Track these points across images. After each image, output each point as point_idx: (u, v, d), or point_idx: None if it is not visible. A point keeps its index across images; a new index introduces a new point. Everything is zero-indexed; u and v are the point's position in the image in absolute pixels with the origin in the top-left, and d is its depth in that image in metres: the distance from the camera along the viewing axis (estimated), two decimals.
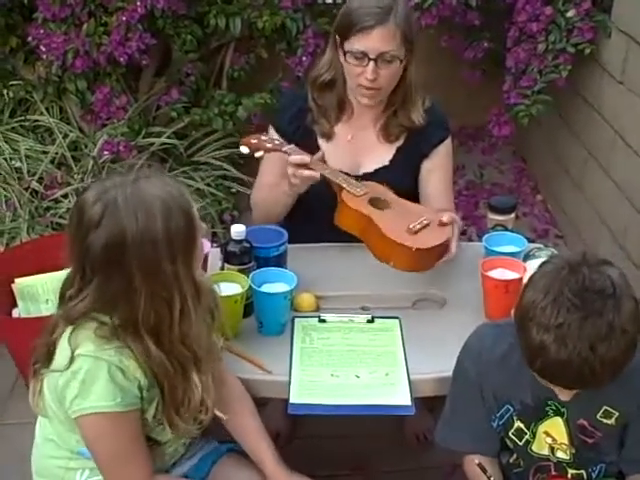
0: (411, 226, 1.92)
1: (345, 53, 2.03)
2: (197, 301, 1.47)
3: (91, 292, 1.42)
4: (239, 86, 3.75)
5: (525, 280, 1.48)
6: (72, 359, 1.41)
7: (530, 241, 3.35)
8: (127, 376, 1.43)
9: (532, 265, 1.76)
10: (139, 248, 1.38)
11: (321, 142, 2.15)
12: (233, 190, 3.64)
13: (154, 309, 1.42)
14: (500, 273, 1.90)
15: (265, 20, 3.42)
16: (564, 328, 1.33)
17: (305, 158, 1.98)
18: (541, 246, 2.17)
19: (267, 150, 2.06)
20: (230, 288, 1.83)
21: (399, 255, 1.90)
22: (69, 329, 1.44)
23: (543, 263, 1.46)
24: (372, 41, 1.98)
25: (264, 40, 3.64)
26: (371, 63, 1.99)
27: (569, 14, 3.16)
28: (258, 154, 2.08)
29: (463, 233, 3.61)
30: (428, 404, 2.24)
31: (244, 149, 2.08)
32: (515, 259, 1.95)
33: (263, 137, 2.10)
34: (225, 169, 3.66)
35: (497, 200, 2.21)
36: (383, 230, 1.89)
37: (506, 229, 2.14)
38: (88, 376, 1.40)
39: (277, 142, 2.08)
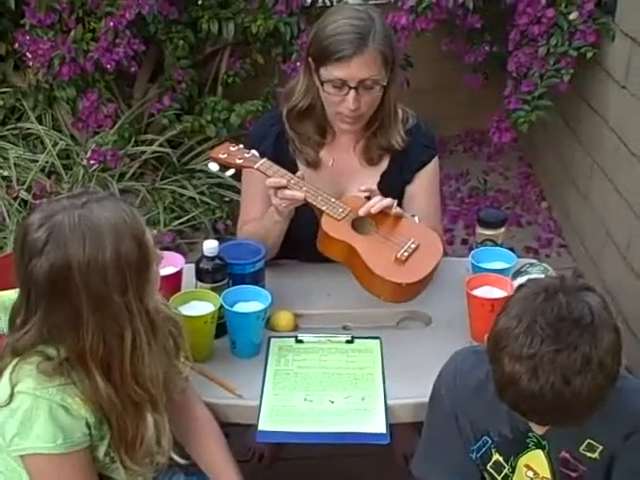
0: (399, 255, 1.82)
1: (322, 83, 1.90)
2: (151, 335, 1.39)
3: (36, 324, 1.34)
4: (235, 92, 3.68)
5: None
6: (12, 395, 1.33)
7: (533, 253, 3.30)
8: (72, 414, 1.35)
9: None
10: (86, 278, 1.29)
11: (302, 169, 2.00)
12: (227, 199, 3.56)
13: (103, 342, 1.33)
14: (487, 291, 1.82)
15: (259, 24, 3.35)
16: (536, 359, 1.24)
17: (282, 181, 1.86)
18: (534, 262, 2.07)
19: (238, 167, 1.94)
20: (201, 307, 1.76)
21: (389, 290, 1.82)
22: (14, 361, 1.36)
23: (519, 287, 1.37)
24: (351, 70, 1.85)
25: (260, 45, 3.57)
26: (352, 92, 1.87)
27: (572, 16, 3.06)
28: (229, 172, 1.96)
29: (464, 242, 3.53)
30: (417, 424, 2.15)
31: (213, 166, 1.95)
32: (502, 276, 1.85)
33: (232, 148, 1.95)
34: (220, 177, 3.57)
35: (487, 214, 2.11)
36: (370, 266, 1.79)
37: (496, 244, 2.04)
38: (27, 415, 1.33)
39: (247, 155, 1.93)
